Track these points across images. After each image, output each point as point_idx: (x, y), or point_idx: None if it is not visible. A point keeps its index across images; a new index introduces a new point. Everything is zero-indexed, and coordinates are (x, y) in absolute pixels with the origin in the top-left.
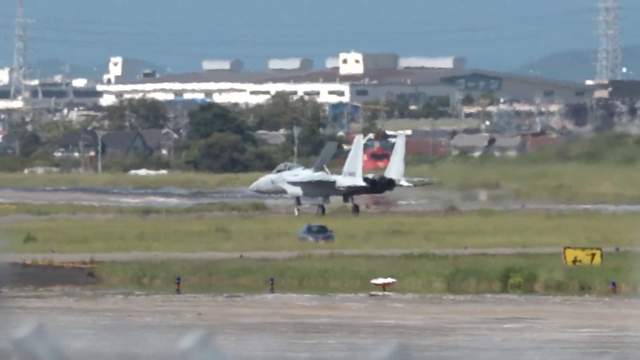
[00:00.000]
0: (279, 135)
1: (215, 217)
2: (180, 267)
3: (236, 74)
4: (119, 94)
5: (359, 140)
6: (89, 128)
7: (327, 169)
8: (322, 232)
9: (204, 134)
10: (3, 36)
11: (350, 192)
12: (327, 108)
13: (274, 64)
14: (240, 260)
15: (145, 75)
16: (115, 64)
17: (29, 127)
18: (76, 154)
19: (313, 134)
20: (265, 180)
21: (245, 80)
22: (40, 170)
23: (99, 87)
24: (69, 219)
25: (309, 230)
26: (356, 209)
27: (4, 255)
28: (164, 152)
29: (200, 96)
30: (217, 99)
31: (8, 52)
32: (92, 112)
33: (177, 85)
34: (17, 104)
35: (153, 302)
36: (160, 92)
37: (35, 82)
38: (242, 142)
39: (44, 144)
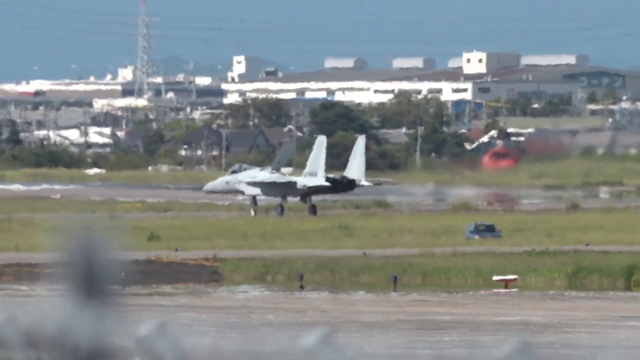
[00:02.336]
0: (401, 134)
1: (338, 214)
2: (303, 264)
3: (359, 72)
4: (242, 93)
5: (322, 141)
6: (213, 126)
7: (282, 170)
8: (489, 230)
9: (326, 132)
10: (127, 34)
11: (310, 192)
12: (449, 106)
13: (398, 63)
14: (363, 258)
15: (268, 73)
16: (239, 62)
17: (153, 125)
18: (199, 152)
19: (435, 132)
20: (219, 181)
21: (369, 79)
22: (164, 168)
23: (223, 86)
24: (193, 217)
25: (477, 229)
26: (313, 209)
27: (127, 252)
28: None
29: (322, 95)
30: (340, 97)
31: (132, 50)
32: (215, 110)
33: (300, 84)
34: (141, 102)
35: (275, 299)
36: (282, 90)
37: (159, 80)
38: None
39: (167, 142)
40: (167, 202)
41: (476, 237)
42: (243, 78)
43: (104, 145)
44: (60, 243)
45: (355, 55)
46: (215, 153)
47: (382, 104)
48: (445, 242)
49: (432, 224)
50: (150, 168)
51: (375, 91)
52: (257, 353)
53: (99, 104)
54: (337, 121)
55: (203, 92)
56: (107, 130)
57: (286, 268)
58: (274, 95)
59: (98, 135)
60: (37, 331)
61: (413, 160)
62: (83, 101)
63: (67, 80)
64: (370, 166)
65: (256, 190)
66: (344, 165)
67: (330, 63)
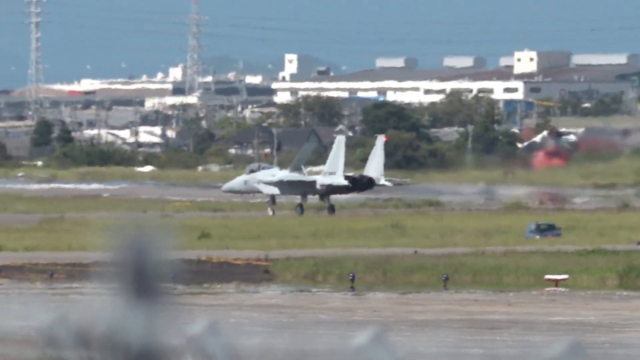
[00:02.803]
0: (452, 133)
1: (390, 213)
2: (355, 263)
3: (410, 71)
4: (293, 92)
5: (340, 140)
6: (264, 125)
7: (303, 169)
8: (550, 230)
9: (377, 131)
10: (177, 33)
11: (329, 191)
12: (500, 105)
13: (448, 62)
14: (415, 257)
15: (320, 72)
16: (290, 62)
17: (203, 124)
18: (250, 152)
19: (487, 131)
20: (238, 181)
21: (419, 78)
22: (214, 167)
23: (274, 85)
24: (243, 216)
25: (537, 228)
26: (332, 208)
27: (178, 252)
28: None
29: (374, 94)
30: (391, 96)
31: (182, 49)
32: (265, 109)
33: (351, 83)
34: (191, 100)
35: (327, 298)
36: (334, 89)
37: (209, 79)
38: (417, 140)
39: (218, 141)
40: (217, 201)
41: (537, 236)
42: (295, 77)
43: (154, 144)
44: (111, 242)
45: (406, 54)
46: (267, 151)
47: (433, 104)
48: (496, 242)
49: (484, 223)
50: (200, 167)
51: (426, 91)
52: (308, 352)
53: (149, 103)
54: (389, 120)
55: (253, 91)
56: (157, 130)
57: (337, 267)
58: (326, 93)
59: (148, 135)
60: (88, 330)
61: (464, 159)
62: (134, 100)
63: (117, 80)
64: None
65: (274, 190)
66: (395, 164)
67: (381, 62)
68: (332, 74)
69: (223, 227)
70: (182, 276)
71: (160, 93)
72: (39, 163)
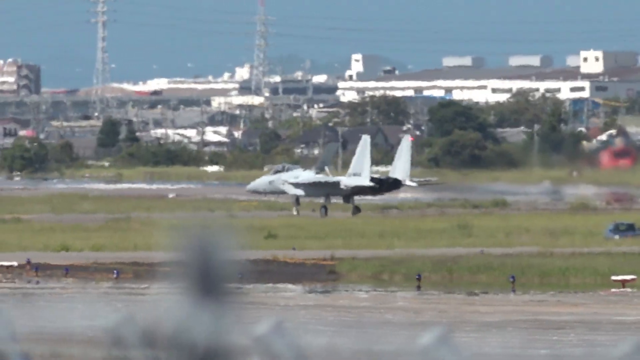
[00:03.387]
0: (519, 133)
1: (456, 213)
2: (421, 263)
3: (477, 70)
4: (359, 91)
5: (366, 141)
6: (330, 124)
7: (327, 170)
8: (630, 230)
9: (444, 131)
10: (244, 33)
11: (354, 192)
12: (567, 104)
13: (515, 61)
14: (481, 257)
15: (386, 72)
16: (357, 61)
17: (269, 124)
18: (316, 151)
19: (553, 131)
20: (262, 181)
21: (486, 77)
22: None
23: (340, 84)
24: (310, 216)
25: (617, 228)
26: (357, 209)
27: (244, 252)
28: None
29: (440, 93)
30: (458, 96)
31: (249, 48)
32: (331, 109)
33: (418, 82)
34: (257, 100)
35: (393, 299)
36: (400, 88)
37: (276, 78)
38: (483, 140)
39: (284, 140)
40: (284, 201)
41: (616, 237)
42: (361, 76)
43: (220, 143)
44: (177, 242)
45: (473, 53)
46: None
47: (499, 103)
48: (563, 242)
49: (550, 223)
50: (266, 167)
51: (493, 90)
52: (375, 352)
53: (216, 103)
54: (455, 119)
55: (320, 90)
56: (223, 129)
57: (404, 267)
58: (392, 92)
59: (215, 134)
60: (154, 330)
61: (530, 158)
62: (200, 100)
63: (184, 79)
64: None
65: (299, 191)
66: (462, 164)
67: (448, 62)
68: (398, 73)
69: (289, 226)
70: (248, 276)
71: (227, 93)
72: (105, 163)
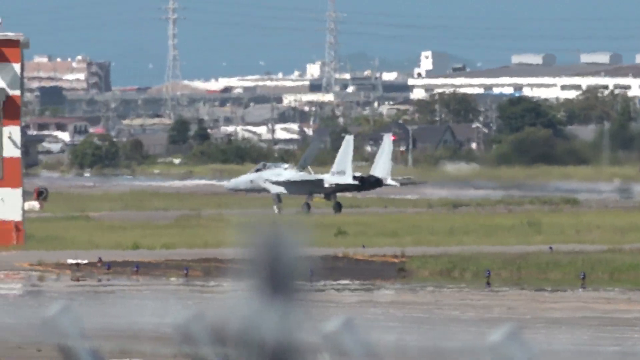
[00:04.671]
0: (589, 130)
1: (525, 210)
2: (490, 260)
3: (547, 68)
4: (429, 88)
5: (349, 140)
6: (400, 122)
7: (309, 168)
8: None
9: (514, 128)
10: (315, 30)
11: (337, 190)
12: (637, 101)
13: (585, 58)
14: (551, 254)
15: (455, 69)
16: (426, 58)
17: (340, 121)
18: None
19: (623, 129)
20: (243, 179)
21: (556, 75)
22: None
23: (410, 81)
24: (379, 213)
25: None
26: (338, 206)
27: (314, 248)
28: (474, 145)
29: (509, 90)
30: (528, 93)
31: (319, 46)
32: (401, 106)
33: (487, 80)
34: (328, 97)
35: (463, 295)
36: (469, 86)
37: (346, 75)
38: (553, 137)
39: (354, 137)
40: (353, 197)
41: None
42: (430, 74)
43: (291, 141)
44: (247, 239)
45: (542, 50)
46: (402, 148)
47: (569, 100)
48: (633, 239)
49: (620, 221)
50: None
51: (563, 87)
52: (443, 349)
53: (286, 100)
54: (525, 117)
55: (389, 87)
56: (294, 127)
57: (473, 264)
58: (461, 89)
59: (285, 131)
60: (223, 327)
61: (600, 156)
62: (271, 97)
63: (254, 77)
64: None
65: (281, 189)
66: (531, 160)
67: (517, 59)
68: (467, 70)
69: (360, 223)
70: (318, 273)
71: (297, 90)
72: (176, 160)
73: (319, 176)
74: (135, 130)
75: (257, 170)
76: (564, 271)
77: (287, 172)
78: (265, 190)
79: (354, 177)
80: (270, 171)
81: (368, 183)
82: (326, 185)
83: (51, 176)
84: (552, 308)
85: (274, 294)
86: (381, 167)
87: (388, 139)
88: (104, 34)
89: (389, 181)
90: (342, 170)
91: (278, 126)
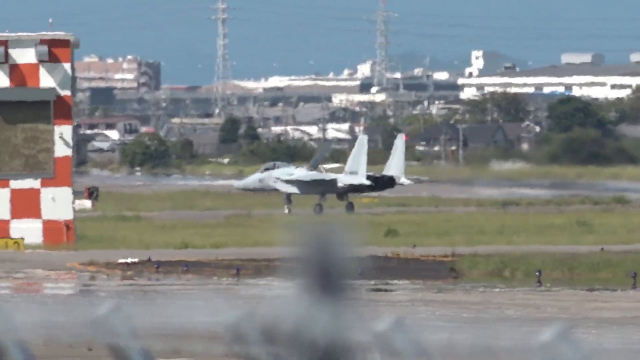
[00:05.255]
0: (639, 130)
1: (576, 210)
2: (541, 260)
3: (597, 67)
4: (479, 87)
5: (362, 140)
6: (450, 122)
7: (321, 168)
8: None
9: (564, 127)
10: (366, 30)
11: (350, 190)
12: None
13: (635, 58)
14: (602, 254)
15: (506, 68)
16: (477, 58)
17: (391, 121)
18: (437, 148)
19: None
20: (252, 179)
21: (606, 74)
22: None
23: (460, 81)
24: (430, 212)
25: None
26: (351, 206)
27: (364, 248)
28: (525, 145)
29: (560, 90)
30: (577, 92)
31: (370, 46)
32: (452, 105)
33: (537, 79)
34: (379, 97)
35: (514, 295)
36: (520, 85)
37: (397, 75)
38: (603, 137)
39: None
40: (404, 197)
41: None
42: (481, 73)
43: (341, 140)
44: (297, 238)
45: (592, 50)
46: (453, 148)
47: (619, 99)
48: None
49: None
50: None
51: (612, 86)
52: (493, 348)
53: (337, 100)
54: (575, 116)
55: (440, 87)
56: (345, 126)
57: (524, 264)
58: (512, 89)
59: (336, 131)
60: (274, 327)
61: None
62: (321, 97)
63: (305, 77)
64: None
65: (292, 189)
66: (581, 160)
67: (567, 58)
68: (518, 69)
69: (410, 223)
70: (368, 273)
71: (348, 90)
72: (226, 160)
73: (333, 176)
74: (185, 130)
75: (266, 170)
76: (614, 271)
77: (299, 172)
78: (275, 190)
79: (368, 177)
80: (280, 170)
81: (382, 182)
82: (340, 185)
83: (101, 175)
84: (602, 308)
85: (324, 294)
86: (395, 166)
87: (401, 139)
88: (154, 33)
89: (403, 180)
90: (355, 170)
91: (329, 126)
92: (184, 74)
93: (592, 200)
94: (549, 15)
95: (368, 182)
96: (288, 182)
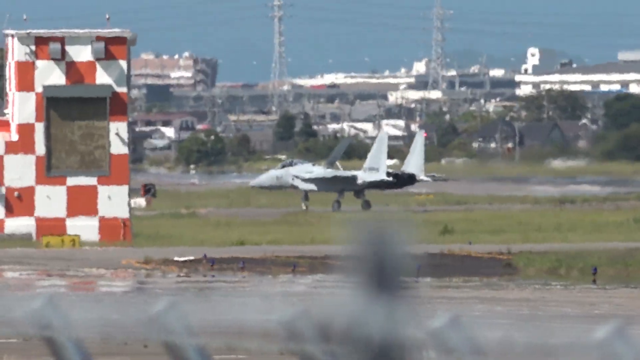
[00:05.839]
0: None
1: (632, 207)
2: (597, 257)
3: None
4: (536, 85)
5: (383, 136)
6: (506, 119)
7: (338, 165)
8: None
9: (620, 125)
10: (420, 28)
11: (370, 187)
12: None
13: None
14: None
15: (562, 65)
16: (533, 55)
17: (447, 118)
18: (493, 145)
19: None
20: (269, 176)
21: None
22: (457, 160)
23: (517, 78)
24: (486, 210)
25: None
26: (367, 204)
27: (420, 245)
28: (581, 143)
29: (616, 87)
30: (634, 90)
31: (426, 43)
32: (508, 103)
33: (594, 76)
34: (434, 94)
35: (570, 292)
36: (576, 82)
37: (453, 72)
38: None
39: (461, 134)
40: (460, 195)
41: None
42: (537, 70)
43: (397, 137)
44: (353, 235)
45: None
46: (509, 145)
47: None
48: None
49: None
50: (443, 161)
51: None
52: (549, 346)
53: (393, 97)
54: (631, 113)
55: (496, 84)
56: (400, 123)
57: (580, 261)
58: (568, 87)
59: (392, 128)
60: (329, 324)
61: None
62: (377, 94)
63: (360, 74)
64: None
65: (311, 186)
66: (637, 158)
67: (623, 56)
68: (574, 66)
69: (466, 220)
70: (424, 270)
71: (404, 87)
72: (282, 157)
73: (353, 173)
74: (241, 126)
75: (283, 167)
76: None
77: (317, 169)
78: (293, 186)
79: (389, 174)
80: (297, 167)
81: (402, 179)
82: (359, 182)
83: (158, 172)
84: None
85: (380, 291)
86: (414, 163)
87: (420, 136)
88: (211, 31)
89: (422, 177)
90: (375, 167)
91: (384, 122)
92: (240, 71)
93: None
94: (606, 12)
95: (389, 179)
96: (306, 179)
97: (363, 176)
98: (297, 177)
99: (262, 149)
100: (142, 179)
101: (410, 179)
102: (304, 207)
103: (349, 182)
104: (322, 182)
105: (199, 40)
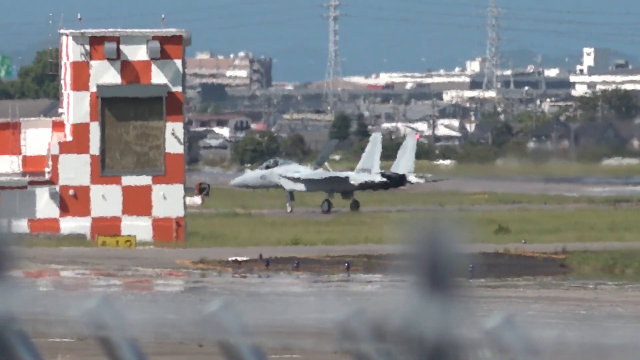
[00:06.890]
0: None
1: None
2: None
3: None
4: (591, 85)
5: (376, 138)
6: (561, 119)
7: (327, 165)
8: None
9: None
10: (476, 26)
11: (363, 187)
12: None
13: None
14: None
15: (618, 65)
16: (588, 54)
17: (502, 117)
18: (548, 145)
19: None
20: (253, 175)
21: None
22: (512, 160)
23: (572, 78)
24: (541, 209)
25: None
26: (356, 204)
27: (474, 245)
28: (636, 142)
29: None
30: None
31: (481, 42)
32: (563, 103)
33: None
34: (489, 94)
35: (624, 292)
36: (632, 82)
37: (508, 72)
38: None
39: (516, 134)
40: (515, 194)
41: None
42: (592, 70)
43: (452, 137)
44: (408, 235)
45: None
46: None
47: None
48: None
49: None
50: (498, 160)
51: None
52: (604, 346)
53: (447, 97)
54: None
55: (551, 84)
56: (455, 123)
57: (635, 260)
58: (623, 86)
59: (446, 128)
60: (384, 324)
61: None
62: (432, 94)
63: (416, 73)
64: None
65: (299, 186)
66: None
67: None
68: (630, 67)
69: (520, 220)
70: (479, 269)
71: (458, 86)
72: (337, 157)
73: (346, 173)
74: (296, 126)
75: (267, 167)
76: None
77: (304, 170)
78: (278, 186)
79: (382, 175)
80: (283, 168)
81: (394, 181)
82: (352, 182)
83: (213, 172)
84: None
85: (434, 290)
86: (404, 164)
87: (411, 138)
88: (266, 30)
89: (412, 178)
90: (368, 167)
91: (439, 122)
92: (295, 71)
93: None
94: None
95: (383, 180)
96: (295, 179)
97: (356, 177)
98: (284, 177)
99: (317, 148)
100: (197, 179)
101: (401, 180)
102: (288, 209)
103: (342, 183)
104: (311, 183)
105: (254, 40)
